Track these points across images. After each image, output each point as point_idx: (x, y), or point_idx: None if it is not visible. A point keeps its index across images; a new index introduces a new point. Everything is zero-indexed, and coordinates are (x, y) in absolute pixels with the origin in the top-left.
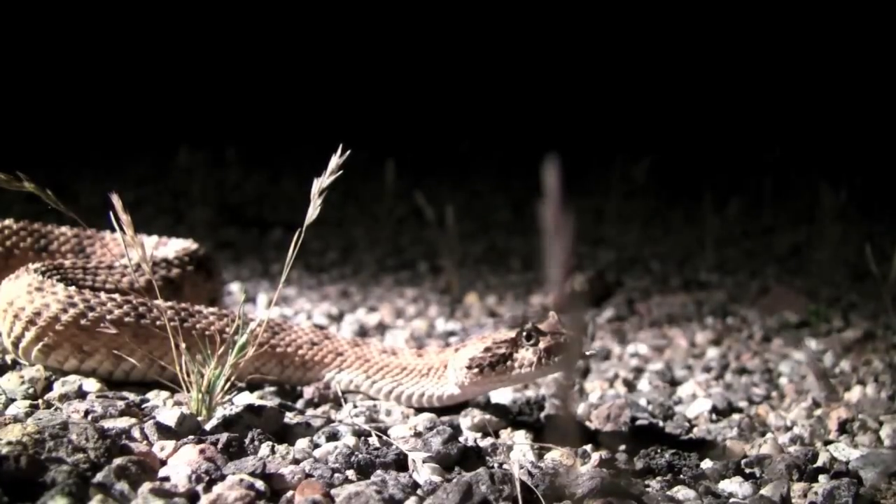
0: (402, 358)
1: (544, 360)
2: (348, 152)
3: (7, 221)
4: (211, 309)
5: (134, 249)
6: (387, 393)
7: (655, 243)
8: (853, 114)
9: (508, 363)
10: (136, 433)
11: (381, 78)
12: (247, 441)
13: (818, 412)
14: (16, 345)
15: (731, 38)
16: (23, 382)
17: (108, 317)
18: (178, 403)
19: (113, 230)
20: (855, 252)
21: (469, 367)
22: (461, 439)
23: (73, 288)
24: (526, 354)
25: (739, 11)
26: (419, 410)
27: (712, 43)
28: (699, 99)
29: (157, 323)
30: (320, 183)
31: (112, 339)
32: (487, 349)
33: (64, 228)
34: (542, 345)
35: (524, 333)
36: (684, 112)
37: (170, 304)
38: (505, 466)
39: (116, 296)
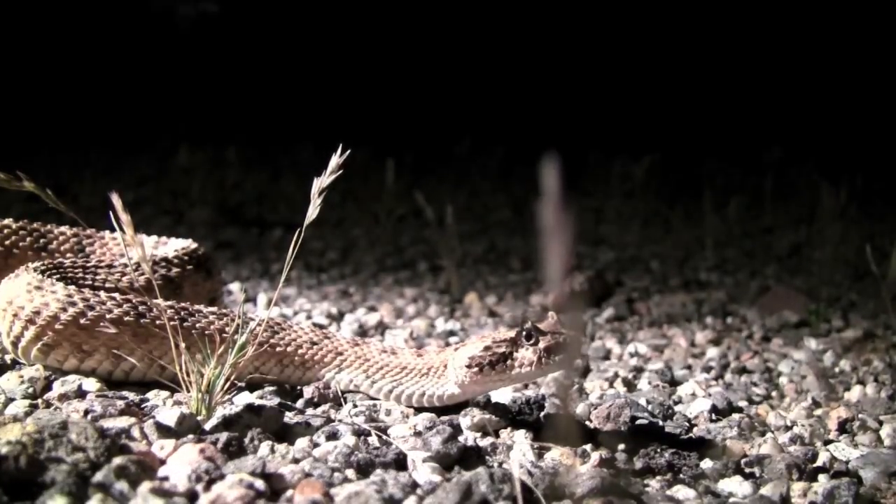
0: (402, 357)
1: (544, 359)
2: (348, 152)
3: (6, 221)
4: (211, 308)
5: (134, 249)
6: (387, 392)
7: (655, 243)
8: (853, 113)
9: (508, 362)
10: (135, 433)
11: (381, 77)
12: (246, 441)
13: (818, 412)
14: (15, 344)
15: (731, 38)
16: (22, 382)
17: (108, 316)
18: (178, 403)
19: (113, 230)
20: (855, 252)
21: (469, 367)
22: (461, 439)
23: (72, 287)
24: (526, 354)
25: (739, 11)
26: (419, 410)
27: (713, 42)
28: (699, 98)
29: (157, 322)
30: (320, 183)
31: (112, 338)
32: (487, 348)
33: (63, 228)
34: (541, 344)
35: (524, 333)
36: (684, 112)
37: (169, 303)
38: (505, 466)
39: (116, 295)
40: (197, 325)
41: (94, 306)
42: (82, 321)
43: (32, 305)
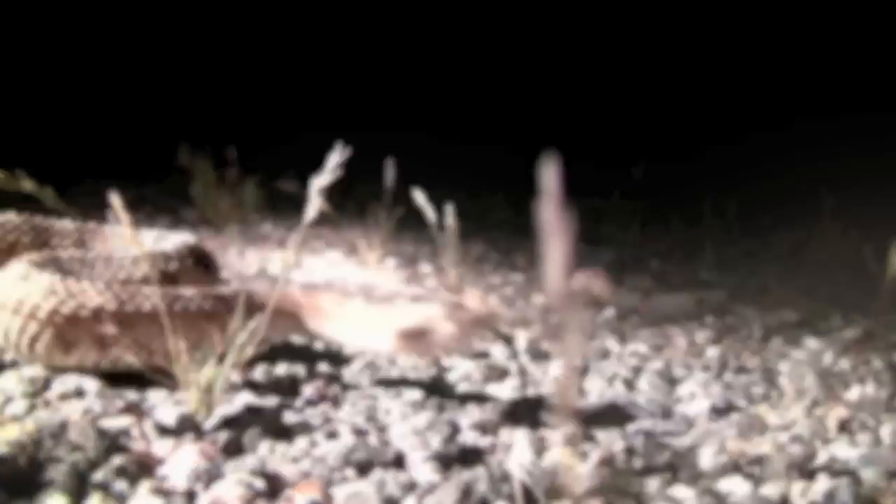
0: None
1: (465, 334)
2: (347, 151)
3: (8, 216)
4: (197, 290)
5: (133, 246)
6: None
7: (655, 242)
8: (853, 113)
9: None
10: (134, 432)
11: (381, 76)
12: (246, 440)
13: (818, 411)
14: (6, 337)
15: (730, 38)
16: (21, 381)
17: (90, 304)
18: (178, 402)
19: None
20: (855, 252)
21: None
22: (460, 438)
23: (56, 276)
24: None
25: (739, 11)
26: (418, 409)
27: (712, 42)
28: (699, 98)
29: (143, 308)
30: (319, 182)
31: (95, 327)
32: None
33: (65, 222)
34: (463, 317)
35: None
36: (684, 111)
37: (153, 287)
38: (504, 465)
39: (100, 283)
40: (186, 308)
41: (75, 294)
42: (63, 310)
43: (16, 296)
